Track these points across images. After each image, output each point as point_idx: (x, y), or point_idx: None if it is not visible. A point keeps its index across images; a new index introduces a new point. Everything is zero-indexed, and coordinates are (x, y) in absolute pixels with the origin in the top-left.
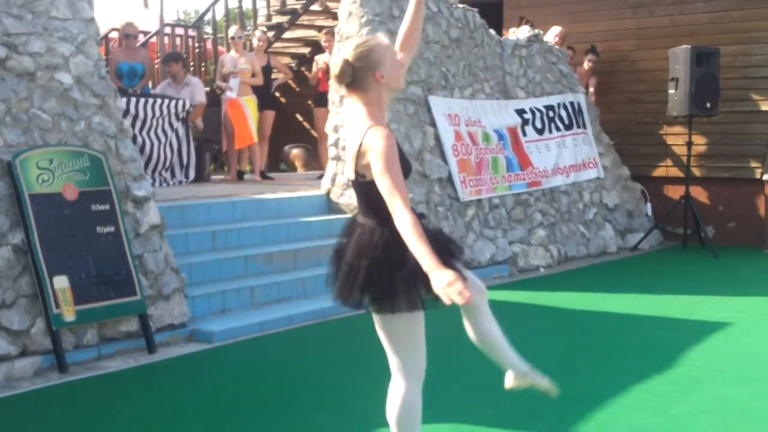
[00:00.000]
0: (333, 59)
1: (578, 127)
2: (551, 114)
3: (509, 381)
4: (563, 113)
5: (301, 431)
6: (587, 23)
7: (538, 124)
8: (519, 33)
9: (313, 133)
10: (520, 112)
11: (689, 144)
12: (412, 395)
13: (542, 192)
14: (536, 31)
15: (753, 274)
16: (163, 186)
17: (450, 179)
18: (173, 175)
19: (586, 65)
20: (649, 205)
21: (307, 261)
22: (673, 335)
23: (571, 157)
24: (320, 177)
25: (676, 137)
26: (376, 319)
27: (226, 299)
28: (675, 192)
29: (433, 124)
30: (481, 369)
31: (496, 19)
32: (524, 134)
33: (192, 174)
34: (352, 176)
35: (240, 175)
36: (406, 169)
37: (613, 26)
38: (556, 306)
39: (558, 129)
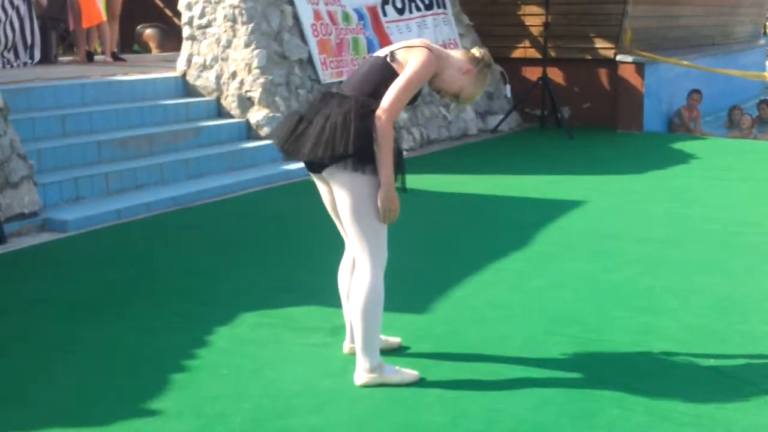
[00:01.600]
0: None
1: (438, 7)
2: None
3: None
4: None
5: (161, 319)
6: None
7: (399, 4)
8: None
9: (168, 12)
10: None
11: (546, 25)
12: (378, 279)
13: None
14: None
15: (606, 153)
16: (7, 68)
17: (310, 60)
18: (17, 56)
19: None
20: (508, 87)
21: (163, 146)
22: (529, 214)
23: (432, 37)
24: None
25: (533, 18)
26: (346, 195)
27: (79, 186)
28: (533, 73)
29: (291, 3)
30: None
31: None
32: (384, 14)
33: (37, 55)
34: (386, 54)
35: (90, 56)
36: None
37: None
38: (418, 188)
39: (418, 9)
